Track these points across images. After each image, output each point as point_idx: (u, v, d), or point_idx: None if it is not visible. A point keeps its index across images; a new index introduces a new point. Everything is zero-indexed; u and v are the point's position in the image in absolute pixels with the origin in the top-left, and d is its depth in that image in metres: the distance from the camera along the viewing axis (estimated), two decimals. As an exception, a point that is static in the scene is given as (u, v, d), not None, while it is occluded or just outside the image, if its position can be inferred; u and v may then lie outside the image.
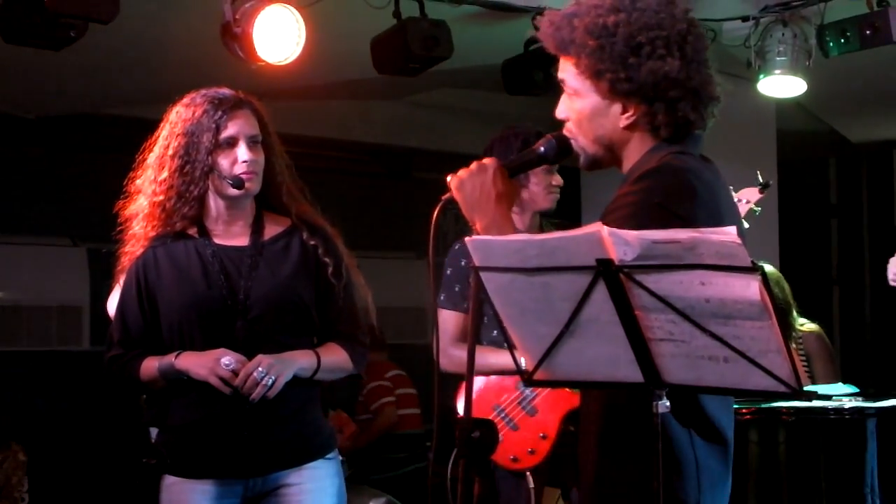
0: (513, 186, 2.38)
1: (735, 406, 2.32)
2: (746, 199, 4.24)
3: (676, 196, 2.12)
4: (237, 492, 3.15)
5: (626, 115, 2.24)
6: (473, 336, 2.18)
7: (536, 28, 2.55)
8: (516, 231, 2.33)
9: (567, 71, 2.29)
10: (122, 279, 3.25)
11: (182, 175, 3.13)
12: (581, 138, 2.31)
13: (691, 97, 2.22)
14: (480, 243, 2.04)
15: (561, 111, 2.34)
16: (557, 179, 4.02)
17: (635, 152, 2.27)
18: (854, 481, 4.14)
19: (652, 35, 2.19)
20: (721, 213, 2.16)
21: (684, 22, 2.23)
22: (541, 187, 3.98)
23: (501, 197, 2.33)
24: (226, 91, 3.20)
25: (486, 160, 2.35)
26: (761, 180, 4.24)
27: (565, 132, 2.34)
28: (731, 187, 4.21)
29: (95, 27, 4.51)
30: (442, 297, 3.92)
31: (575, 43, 2.23)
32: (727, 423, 2.23)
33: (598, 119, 2.27)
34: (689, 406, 2.13)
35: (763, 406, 4.20)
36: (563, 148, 2.34)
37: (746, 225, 4.23)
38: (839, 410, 4.20)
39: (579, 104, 2.29)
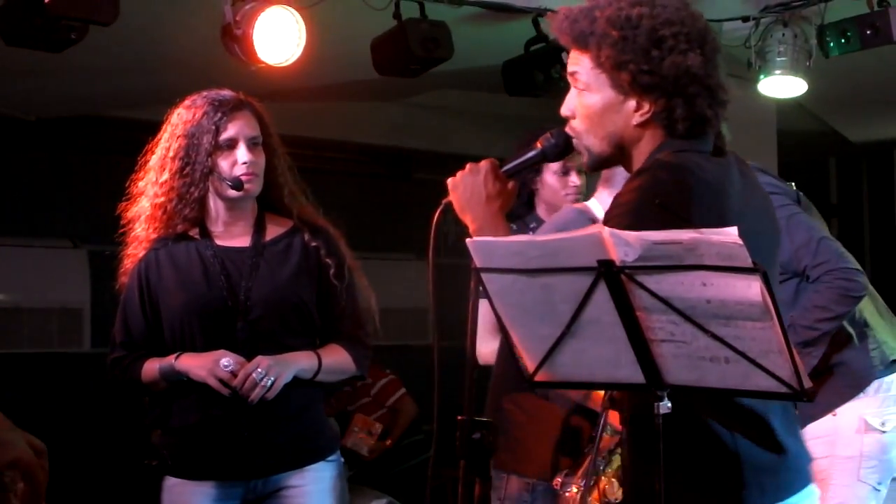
0: (510, 187, 2.37)
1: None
2: None
3: (672, 193, 2.08)
4: (238, 493, 3.15)
5: (640, 111, 2.20)
6: (473, 335, 2.18)
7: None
8: (511, 233, 2.32)
9: (580, 64, 2.24)
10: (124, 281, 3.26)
11: (182, 177, 3.14)
12: (587, 136, 2.26)
13: (708, 95, 2.19)
14: (481, 245, 2.03)
15: (567, 108, 2.28)
16: (573, 180, 3.95)
17: (645, 151, 2.23)
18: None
19: (674, 30, 2.16)
20: (726, 211, 2.10)
21: (702, 21, 2.21)
22: (555, 188, 3.93)
23: (493, 198, 2.33)
24: (226, 93, 3.21)
25: (482, 161, 2.35)
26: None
27: (568, 130, 2.29)
28: None
29: (96, 29, 4.50)
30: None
31: (595, 34, 2.18)
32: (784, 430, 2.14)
33: (610, 115, 2.22)
34: (726, 404, 2.08)
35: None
36: (564, 145, 2.31)
37: None
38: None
39: (590, 99, 2.23)
